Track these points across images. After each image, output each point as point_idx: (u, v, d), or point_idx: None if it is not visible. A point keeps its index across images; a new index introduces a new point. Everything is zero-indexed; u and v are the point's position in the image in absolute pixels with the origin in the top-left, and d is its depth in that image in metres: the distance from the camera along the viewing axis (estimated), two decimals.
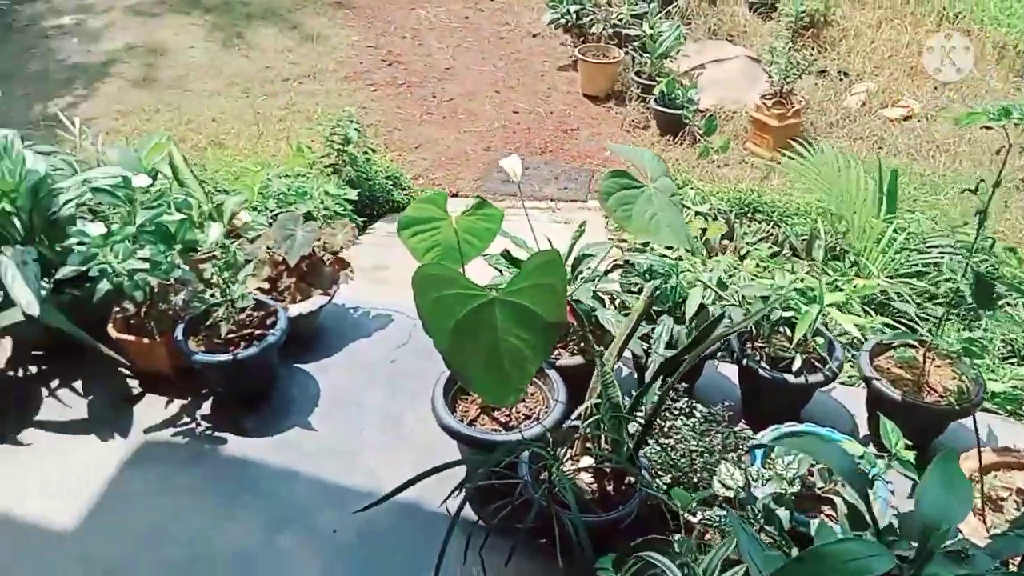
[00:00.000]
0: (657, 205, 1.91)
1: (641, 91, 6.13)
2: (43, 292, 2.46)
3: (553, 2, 6.78)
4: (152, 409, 2.69)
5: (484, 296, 1.77)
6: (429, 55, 7.17)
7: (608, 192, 1.89)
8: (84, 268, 2.42)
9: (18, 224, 2.66)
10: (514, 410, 2.36)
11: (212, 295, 2.58)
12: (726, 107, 6.09)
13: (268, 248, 2.92)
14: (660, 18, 6.35)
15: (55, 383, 2.78)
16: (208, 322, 2.60)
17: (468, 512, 1.95)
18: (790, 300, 2.43)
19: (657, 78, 5.99)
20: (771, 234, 4.10)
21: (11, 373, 2.64)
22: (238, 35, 7.29)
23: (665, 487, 2.11)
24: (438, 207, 2.22)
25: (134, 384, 2.79)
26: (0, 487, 2.40)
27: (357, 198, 4.24)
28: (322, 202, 3.89)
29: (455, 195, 5.31)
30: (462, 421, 2.29)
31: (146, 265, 2.45)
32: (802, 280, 2.49)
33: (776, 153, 5.42)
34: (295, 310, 2.81)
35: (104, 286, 2.48)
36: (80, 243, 2.39)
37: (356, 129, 4.40)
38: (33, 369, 2.85)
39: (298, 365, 2.88)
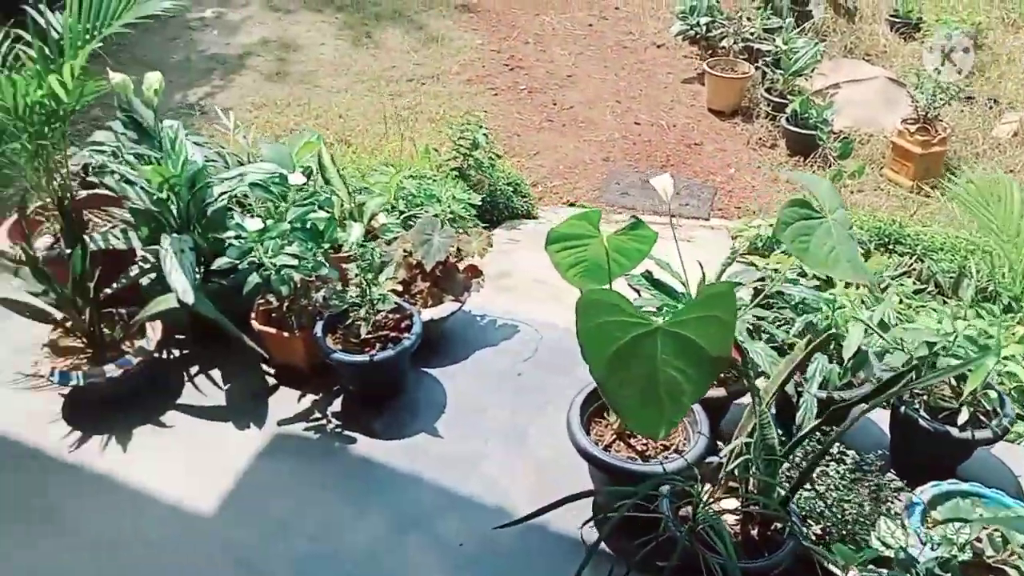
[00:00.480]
0: (836, 238, 1.80)
1: (771, 108, 5.91)
2: (196, 281, 2.55)
3: (683, 13, 6.64)
4: (286, 402, 2.75)
5: (648, 325, 1.70)
6: (551, 61, 7.15)
7: (786, 222, 1.78)
8: (238, 261, 2.49)
9: (175, 212, 2.76)
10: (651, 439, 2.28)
11: (351, 294, 2.61)
12: (861, 130, 5.81)
13: (404, 251, 2.94)
14: (795, 34, 6.11)
15: (195, 369, 2.88)
16: (348, 321, 2.63)
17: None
18: (958, 348, 2.25)
19: (789, 96, 5.76)
20: (914, 268, 3.86)
21: (156, 355, 2.74)
22: (367, 34, 7.46)
23: (814, 538, 1.99)
24: (591, 225, 2.17)
25: (269, 376, 2.86)
26: (147, 467, 2.49)
27: (480, 203, 4.24)
28: (449, 206, 3.90)
29: (572, 204, 5.26)
30: (596, 444, 2.23)
31: (295, 261, 2.50)
32: (972, 325, 2.31)
33: (916, 182, 5.12)
34: (427, 315, 2.81)
35: (254, 279, 2.54)
36: (238, 236, 2.46)
37: (484, 134, 4.41)
38: (175, 352, 2.96)
39: (425, 369, 2.88)
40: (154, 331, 2.71)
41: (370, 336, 2.63)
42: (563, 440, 2.25)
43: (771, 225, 4.04)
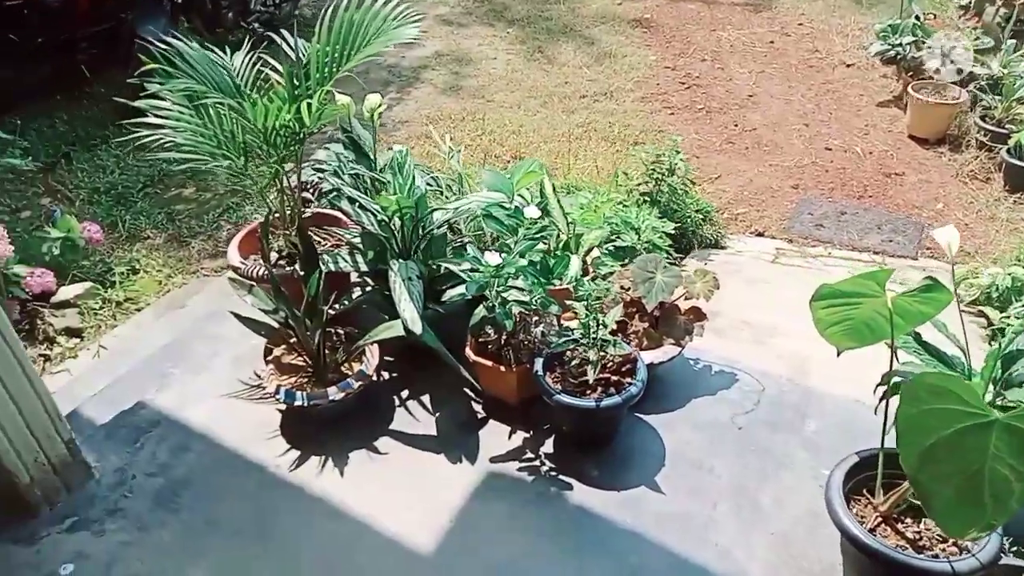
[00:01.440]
0: None
1: (987, 138, 5.37)
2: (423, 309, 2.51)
3: (884, 32, 6.17)
4: (495, 437, 2.67)
5: (985, 416, 1.47)
6: (730, 79, 6.84)
7: None
8: (472, 295, 2.43)
9: (399, 237, 2.75)
10: (923, 525, 2.01)
11: (575, 331, 2.49)
12: None
13: (621, 287, 2.80)
14: (1019, 56, 5.53)
15: (404, 392, 2.86)
16: (570, 360, 2.51)
17: None
18: None
19: (1009, 125, 5.20)
20: None
21: (373, 378, 2.73)
22: (538, 49, 7.42)
23: None
24: (877, 284, 1.94)
25: (476, 404, 2.79)
26: (364, 495, 2.47)
27: (674, 231, 4.06)
28: (647, 236, 3.74)
29: (761, 234, 4.96)
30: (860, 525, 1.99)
31: (524, 297, 2.41)
32: None
33: None
34: (647, 358, 2.65)
35: (480, 312, 2.47)
36: (474, 270, 2.39)
37: (682, 160, 4.21)
38: (385, 375, 2.95)
39: (639, 415, 2.72)
40: (372, 355, 2.70)
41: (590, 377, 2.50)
42: (804, 514, 2.04)
43: (1009, 274, 3.61)
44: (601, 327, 2.44)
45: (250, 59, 2.91)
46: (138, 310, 3.98)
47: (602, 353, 2.48)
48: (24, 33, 5.35)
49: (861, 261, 4.59)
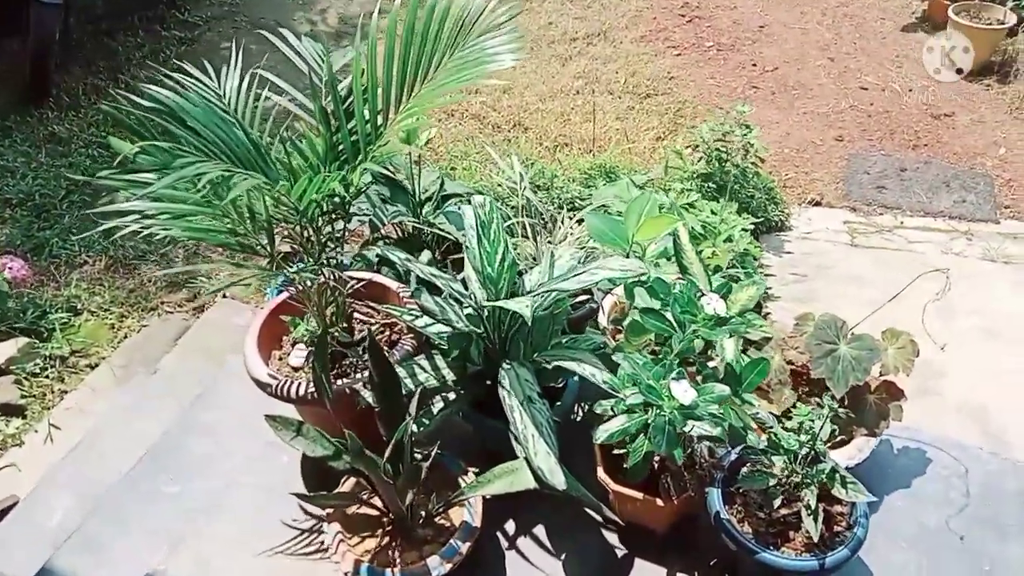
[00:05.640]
0: None
1: None
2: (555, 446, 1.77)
3: None
4: None
5: None
6: (734, 7, 6.05)
7: None
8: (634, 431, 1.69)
9: (490, 328, 1.97)
10: None
11: (777, 463, 1.80)
12: None
13: (787, 361, 2.11)
14: None
15: (510, 527, 2.14)
16: (767, 490, 1.83)
17: None
18: None
19: None
20: None
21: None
22: None
23: None
24: None
25: (612, 537, 2.10)
26: None
27: (753, 227, 3.38)
28: (738, 244, 3.04)
29: (818, 203, 4.31)
30: None
31: (714, 430, 1.69)
32: None
33: None
34: (838, 459, 2.00)
35: (642, 446, 1.75)
36: (651, 404, 1.65)
37: (756, 137, 3.47)
38: None
39: None
40: (474, 500, 1.96)
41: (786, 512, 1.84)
42: None
43: None
44: (819, 460, 1.75)
45: (240, 79, 2.02)
46: (91, 367, 3.10)
47: (817, 487, 1.80)
48: None
49: (940, 230, 4.02)
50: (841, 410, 1.84)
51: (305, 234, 1.88)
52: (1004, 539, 2.06)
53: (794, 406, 2.04)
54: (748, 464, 1.87)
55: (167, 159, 1.61)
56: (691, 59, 5.55)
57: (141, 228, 1.79)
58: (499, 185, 3.31)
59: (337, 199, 1.88)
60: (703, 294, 1.70)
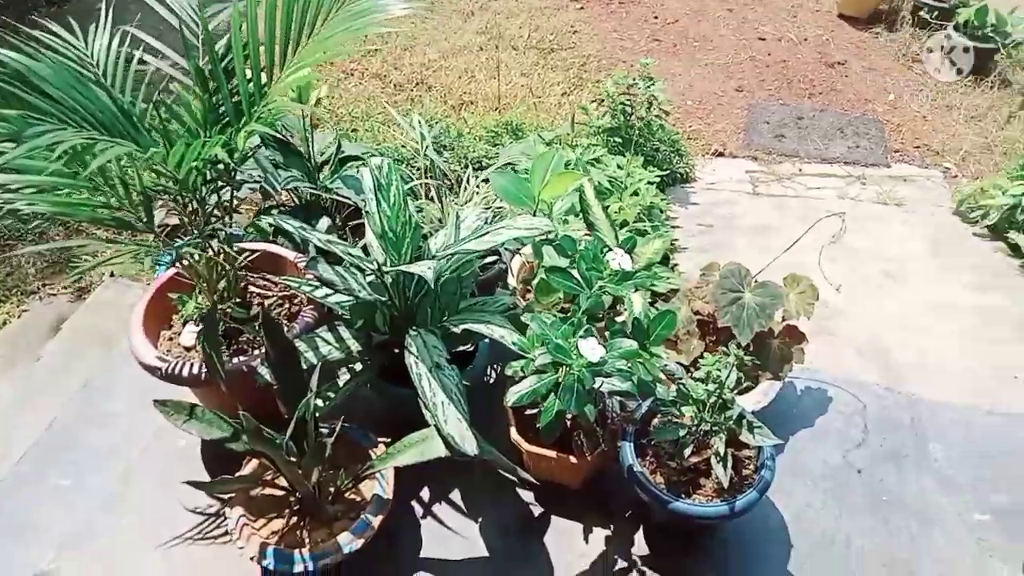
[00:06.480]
0: None
1: (923, 12, 4.98)
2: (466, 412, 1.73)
3: None
4: (566, 541, 2.01)
5: None
6: None
7: None
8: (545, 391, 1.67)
9: (393, 294, 1.90)
10: None
11: (686, 413, 1.82)
12: None
13: (694, 311, 2.13)
14: None
15: (425, 494, 2.10)
16: (677, 440, 1.84)
17: None
18: None
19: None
20: None
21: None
22: None
23: None
24: None
25: (528, 496, 2.10)
26: None
27: (659, 179, 3.39)
28: (645, 198, 3.05)
29: (721, 154, 4.37)
30: None
31: (623, 384, 1.68)
32: None
33: None
34: (745, 405, 2.04)
35: (553, 406, 1.73)
36: (560, 363, 1.62)
37: (660, 90, 3.46)
38: None
39: None
40: (386, 472, 1.90)
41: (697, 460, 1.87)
42: None
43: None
44: (727, 407, 1.77)
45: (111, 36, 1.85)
46: None
47: (725, 433, 1.82)
48: None
49: (836, 176, 4.15)
50: (747, 357, 1.87)
51: (189, 205, 1.75)
52: (900, 469, 2.16)
53: (702, 356, 2.06)
54: (659, 416, 1.88)
55: (22, 126, 1.45)
56: (594, 13, 5.50)
57: (2, 203, 1.62)
58: (403, 146, 3.20)
59: (221, 166, 1.76)
60: (609, 250, 1.67)
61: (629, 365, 1.68)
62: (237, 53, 1.74)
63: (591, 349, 1.55)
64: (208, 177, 1.75)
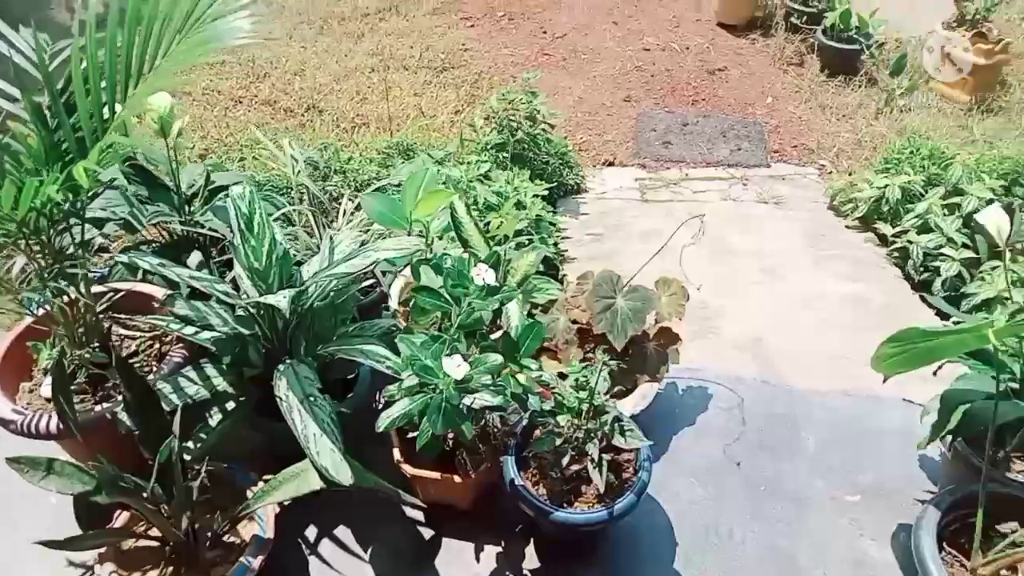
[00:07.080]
0: None
1: (803, 20, 5.24)
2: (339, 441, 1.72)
3: None
4: (459, 562, 2.01)
5: None
6: None
7: None
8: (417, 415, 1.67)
9: (266, 326, 1.87)
10: None
11: (561, 421, 1.85)
12: (894, 37, 5.25)
13: (572, 320, 2.17)
14: None
15: (311, 532, 2.06)
16: (556, 449, 1.87)
17: None
18: None
19: (815, 3, 5.11)
20: None
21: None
22: None
23: None
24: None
25: (418, 516, 2.09)
26: None
27: (547, 193, 3.45)
28: (531, 211, 3.10)
29: (611, 164, 4.48)
30: None
31: (497, 399, 1.70)
32: None
33: (975, 97, 4.67)
34: (625, 408, 2.09)
35: (428, 428, 1.73)
36: (426, 385, 1.62)
37: (542, 104, 3.53)
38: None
39: None
40: (265, 511, 1.86)
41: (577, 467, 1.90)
42: (849, 566, 1.68)
43: (899, 186, 3.45)
44: (603, 412, 1.80)
45: None
46: None
47: (603, 439, 1.86)
48: None
49: (720, 178, 4.30)
50: (613, 361, 1.92)
51: (32, 248, 1.68)
52: (776, 459, 2.25)
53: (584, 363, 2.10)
54: (540, 428, 1.90)
55: None
56: (484, 30, 5.57)
57: None
58: (277, 174, 3.16)
59: (67, 205, 1.70)
60: (478, 268, 1.69)
61: (500, 379, 1.70)
62: (79, 88, 1.69)
63: (455, 367, 1.56)
64: (52, 216, 1.69)
